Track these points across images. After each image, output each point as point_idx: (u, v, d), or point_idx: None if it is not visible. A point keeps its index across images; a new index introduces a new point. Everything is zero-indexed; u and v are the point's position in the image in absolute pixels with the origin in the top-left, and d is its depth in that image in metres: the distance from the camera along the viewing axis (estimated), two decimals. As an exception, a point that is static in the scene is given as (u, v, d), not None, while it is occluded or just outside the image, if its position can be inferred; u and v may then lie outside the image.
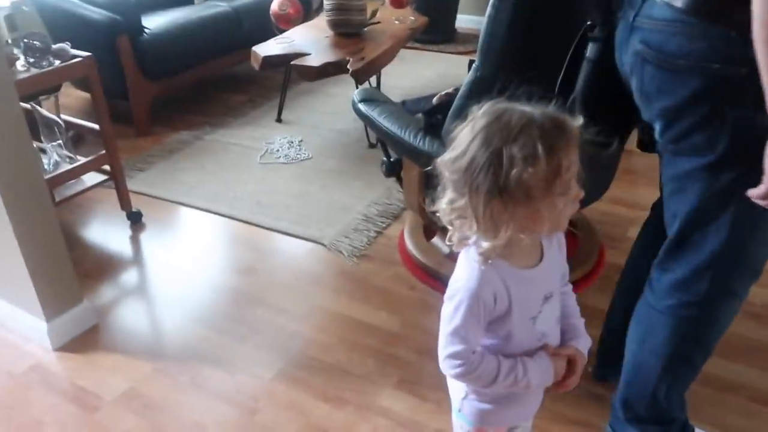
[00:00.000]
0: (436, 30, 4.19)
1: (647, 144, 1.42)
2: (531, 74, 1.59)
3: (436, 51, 4.30)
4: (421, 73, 3.92)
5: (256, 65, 2.95)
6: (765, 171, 1.00)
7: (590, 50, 1.27)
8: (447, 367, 0.97)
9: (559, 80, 1.34)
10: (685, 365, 1.33)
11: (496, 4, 1.61)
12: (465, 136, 0.87)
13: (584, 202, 1.24)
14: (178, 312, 2.00)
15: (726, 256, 1.17)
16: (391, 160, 2.14)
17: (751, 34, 0.94)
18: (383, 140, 2.13)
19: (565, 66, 1.33)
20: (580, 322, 1.07)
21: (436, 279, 2.04)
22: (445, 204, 0.90)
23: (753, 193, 1.04)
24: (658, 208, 1.50)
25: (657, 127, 1.14)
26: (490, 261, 0.91)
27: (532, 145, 0.82)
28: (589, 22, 1.26)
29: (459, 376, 0.97)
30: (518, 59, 1.66)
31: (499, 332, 0.97)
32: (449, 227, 0.93)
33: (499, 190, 0.83)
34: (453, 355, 0.94)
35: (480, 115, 0.87)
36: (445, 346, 0.95)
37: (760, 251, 1.20)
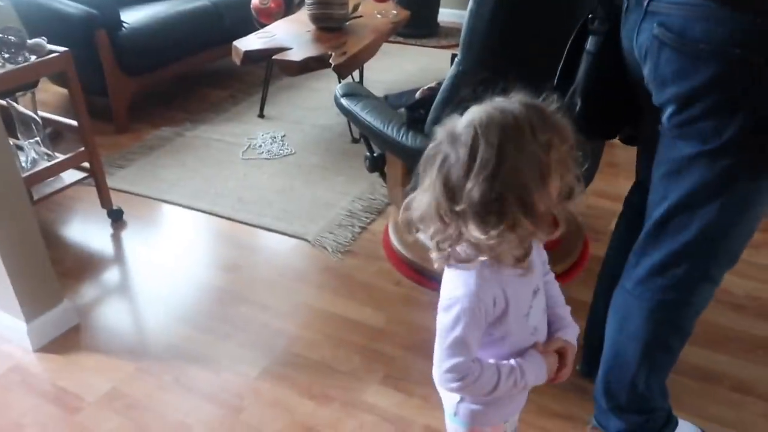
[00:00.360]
0: (419, 24, 4.18)
1: (630, 137, 1.43)
2: (513, 69, 1.61)
3: (418, 45, 4.29)
4: (403, 67, 3.91)
5: (237, 60, 2.92)
6: None
7: (590, 43, 1.27)
8: (446, 380, 0.94)
9: (558, 73, 1.33)
10: (662, 351, 1.34)
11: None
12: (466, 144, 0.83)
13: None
14: (161, 311, 1.98)
15: (708, 241, 1.18)
16: (374, 155, 2.13)
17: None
18: (366, 135, 2.12)
19: (564, 59, 1.33)
20: (565, 311, 1.07)
21: (421, 274, 2.04)
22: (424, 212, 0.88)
23: None
24: (632, 198, 1.51)
25: (668, 110, 1.13)
26: (481, 260, 0.88)
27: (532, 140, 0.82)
28: (590, 15, 1.27)
29: (459, 389, 0.95)
30: (499, 54, 1.66)
31: (496, 334, 0.96)
32: (431, 244, 0.92)
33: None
34: (453, 368, 0.92)
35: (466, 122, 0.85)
36: (443, 360, 0.93)
37: (741, 238, 1.21)
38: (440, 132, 0.87)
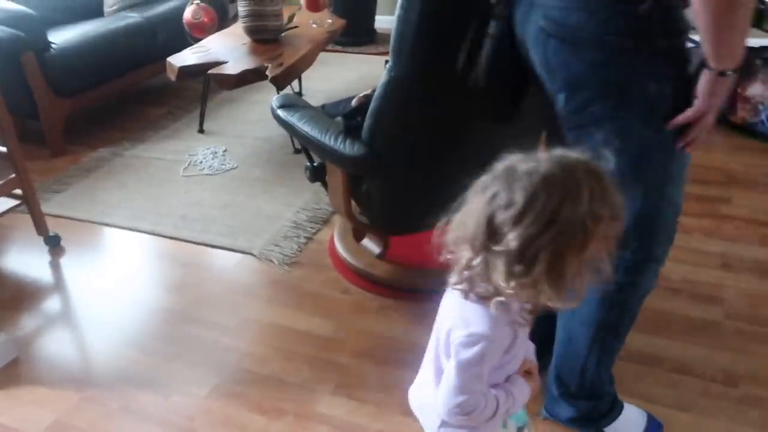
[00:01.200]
0: (356, 31, 4.20)
1: (501, 115, 1.47)
2: (443, 73, 1.63)
3: (357, 52, 4.31)
4: (343, 75, 3.92)
5: (172, 76, 2.87)
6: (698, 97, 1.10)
7: (493, 27, 1.33)
8: (455, 414, 0.94)
9: (463, 59, 1.38)
10: (612, 334, 1.39)
11: (404, 4, 1.62)
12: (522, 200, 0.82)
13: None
14: (105, 337, 1.93)
15: (645, 221, 1.23)
16: (315, 164, 2.13)
17: (641, 9, 1.05)
18: (305, 146, 2.12)
19: (468, 45, 1.37)
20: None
21: (368, 280, 2.05)
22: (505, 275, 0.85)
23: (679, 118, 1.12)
24: None
25: (560, 98, 1.21)
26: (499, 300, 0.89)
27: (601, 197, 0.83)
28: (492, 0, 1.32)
29: (465, 422, 0.96)
30: (429, 59, 1.69)
31: (497, 365, 0.98)
32: (456, 271, 0.91)
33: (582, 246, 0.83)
34: (465, 403, 0.93)
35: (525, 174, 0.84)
36: (457, 394, 0.93)
37: (672, 212, 1.27)
38: (499, 167, 0.87)
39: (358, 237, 2.21)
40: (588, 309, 1.35)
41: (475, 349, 0.90)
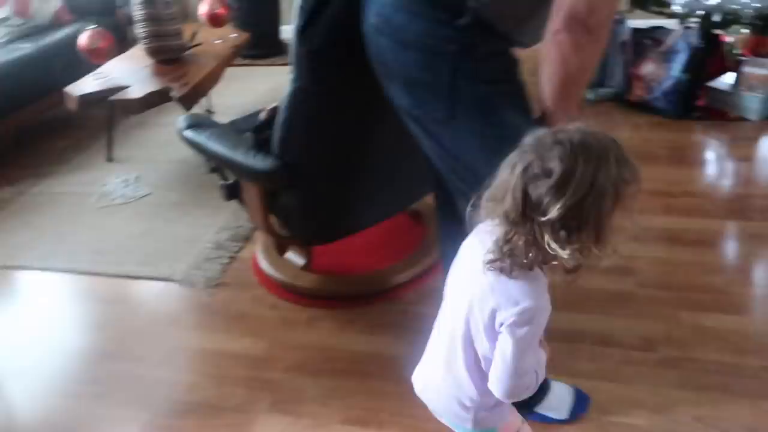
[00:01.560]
0: (263, 44, 4.16)
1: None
2: (342, 80, 1.64)
3: (266, 64, 4.27)
4: (254, 88, 3.88)
5: (72, 106, 2.77)
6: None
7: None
8: (523, 388, 0.97)
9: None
10: None
11: (296, 13, 1.63)
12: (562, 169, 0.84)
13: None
14: (25, 389, 1.83)
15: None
16: (229, 183, 2.10)
17: (461, 19, 1.12)
18: (216, 164, 2.09)
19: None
20: None
21: (295, 293, 2.04)
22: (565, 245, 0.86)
23: None
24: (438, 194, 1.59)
25: (397, 93, 1.27)
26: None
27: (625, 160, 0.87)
28: None
29: (526, 393, 0.99)
30: (325, 63, 1.69)
31: None
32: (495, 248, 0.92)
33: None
34: (530, 379, 0.97)
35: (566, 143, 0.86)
36: (525, 372, 0.96)
37: None
38: (527, 141, 0.89)
39: (282, 250, 2.19)
40: None
41: (534, 323, 0.93)
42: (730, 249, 2.20)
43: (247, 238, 2.39)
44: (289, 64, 1.72)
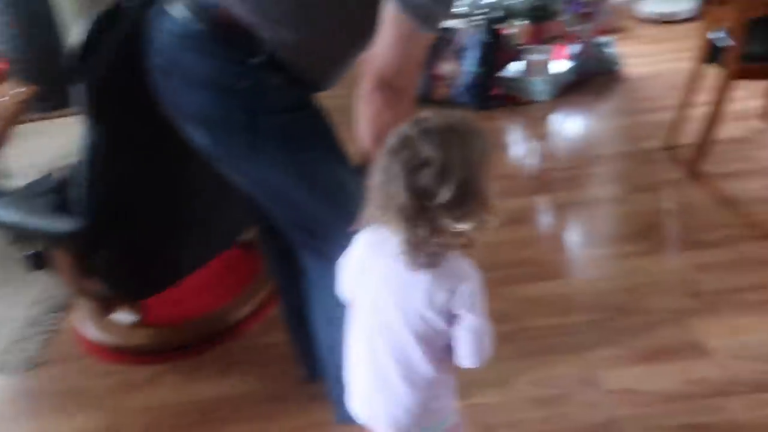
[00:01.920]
0: (55, 94, 3.85)
1: None
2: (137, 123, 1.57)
3: (62, 116, 3.96)
4: (53, 143, 3.58)
5: None
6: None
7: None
8: (489, 347, 1.03)
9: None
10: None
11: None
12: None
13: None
14: None
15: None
16: (32, 252, 1.92)
17: (254, 59, 1.11)
18: (15, 236, 1.91)
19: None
20: None
21: (130, 353, 1.91)
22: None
23: None
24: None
25: (194, 134, 1.24)
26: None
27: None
28: None
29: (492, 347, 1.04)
30: (116, 101, 1.61)
31: None
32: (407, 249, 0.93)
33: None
34: (489, 332, 1.02)
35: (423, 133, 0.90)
36: (490, 336, 1.02)
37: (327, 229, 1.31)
38: (391, 143, 0.91)
39: (107, 312, 2.03)
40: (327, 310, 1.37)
41: (480, 291, 0.98)
42: (542, 221, 2.40)
43: (66, 307, 2.19)
44: (79, 112, 1.63)
